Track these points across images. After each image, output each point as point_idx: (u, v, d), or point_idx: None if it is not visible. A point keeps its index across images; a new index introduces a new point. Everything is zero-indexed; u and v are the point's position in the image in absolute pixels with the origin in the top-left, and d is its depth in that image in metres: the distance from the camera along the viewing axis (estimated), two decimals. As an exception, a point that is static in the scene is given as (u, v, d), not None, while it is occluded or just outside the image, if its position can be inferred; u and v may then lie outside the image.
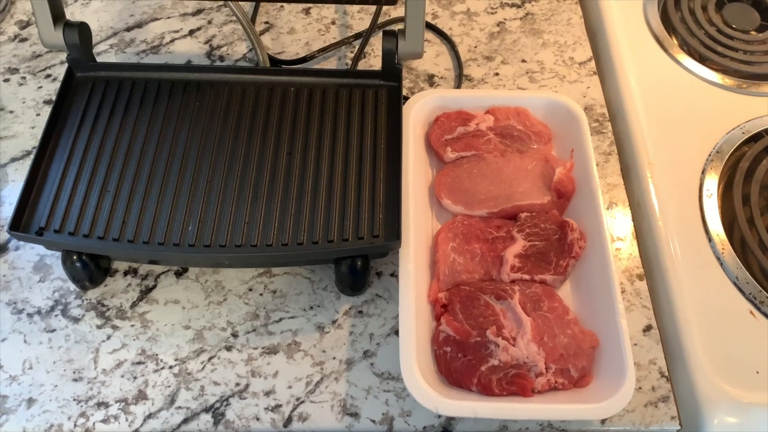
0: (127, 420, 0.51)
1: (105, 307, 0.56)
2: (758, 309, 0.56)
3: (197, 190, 0.55)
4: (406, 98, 0.65)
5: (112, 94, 0.61)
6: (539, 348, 0.51)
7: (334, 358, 0.54)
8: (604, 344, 0.52)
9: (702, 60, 0.72)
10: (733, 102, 0.69)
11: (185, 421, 0.52)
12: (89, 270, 0.55)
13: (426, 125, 0.64)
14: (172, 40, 0.73)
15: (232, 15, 0.75)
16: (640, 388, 0.54)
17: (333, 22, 0.75)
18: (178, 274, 0.58)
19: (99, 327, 0.55)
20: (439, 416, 0.52)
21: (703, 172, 0.64)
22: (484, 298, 0.54)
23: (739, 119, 0.67)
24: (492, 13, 0.76)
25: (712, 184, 0.63)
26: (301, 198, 0.55)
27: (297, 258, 0.56)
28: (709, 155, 0.65)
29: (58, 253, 0.57)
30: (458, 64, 0.72)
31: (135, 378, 0.53)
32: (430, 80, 0.71)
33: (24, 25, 0.74)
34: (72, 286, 0.57)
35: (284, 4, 0.76)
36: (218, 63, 0.71)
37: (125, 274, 0.58)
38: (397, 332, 0.55)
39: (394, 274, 0.58)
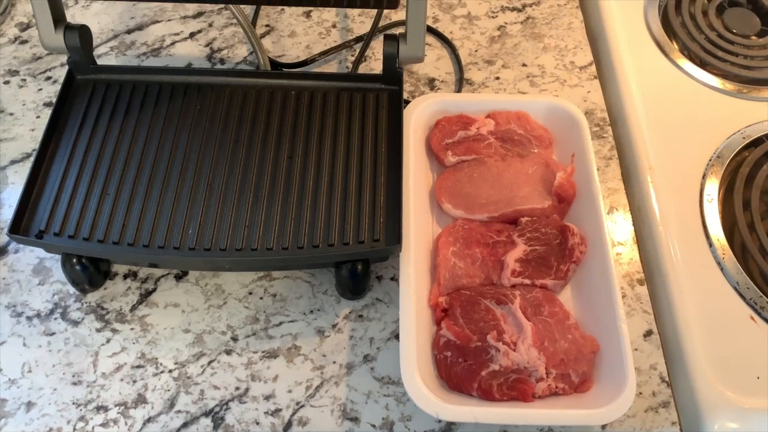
0: (126, 424, 0.51)
1: (105, 310, 0.56)
2: (759, 314, 0.56)
3: (197, 193, 0.55)
4: (407, 102, 0.65)
5: (113, 96, 0.60)
6: (540, 353, 0.51)
7: (334, 362, 0.54)
8: (604, 349, 0.52)
9: (702, 65, 0.72)
10: (733, 107, 0.69)
11: (185, 425, 0.51)
12: (89, 273, 0.55)
13: (427, 129, 0.64)
14: (173, 43, 0.73)
15: (232, 18, 0.75)
16: (640, 393, 0.54)
17: (334, 26, 0.75)
18: (178, 278, 0.58)
19: (98, 330, 0.55)
20: (440, 421, 0.52)
21: (704, 176, 0.64)
22: (484, 302, 0.54)
23: (739, 124, 0.67)
24: (493, 17, 0.77)
25: (713, 188, 0.63)
26: (301, 202, 0.55)
27: (297, 262, 0.56)
28: (710, 160, 0.65)
29: (58, 256, 0.57)
30: (459, 67, 0.72)
31: (134, 382, 0.53)
32: (431, 84, 0.71)
33: (24, 27, 0.74)
34: (71, 289, 0.57)
35: (285, 7, 0.76)
36: (219, 66, 0.71)
37: (125, 277, 0.58)
38: (397, 336, 0.55)
39: (395, 278, 0.58)
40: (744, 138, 0.66)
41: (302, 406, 0.52)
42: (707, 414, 0.52)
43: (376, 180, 0.56)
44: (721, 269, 0.59)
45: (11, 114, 0.67)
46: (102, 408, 0.52)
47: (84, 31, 0.60)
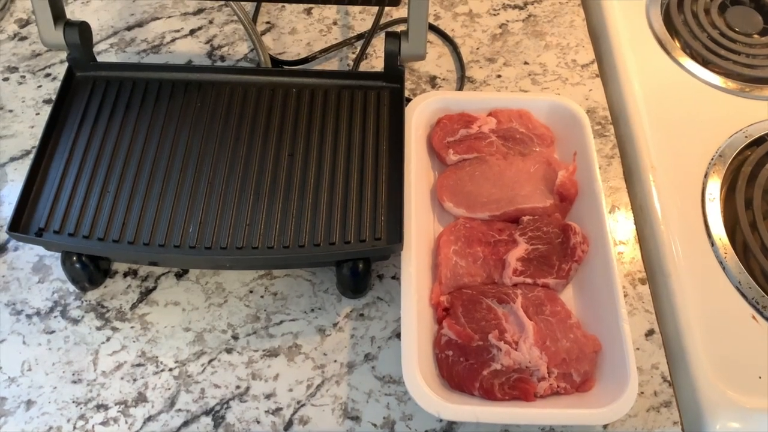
0: (126, 422, 0.51)
1: (105, 308, 0.56)
2: (761, 314, 0.56)
3: (198, 191, 0.55)
4: (408, 100, 0.64)
5: (113, 94, 0.60)
6: (541, 352, 0.51)
7: (335, 361, 0.54)
8: (606, 349, 0.52)
9: (705, 63, 0.72)
10: (735, 105, 0.69)
11: (185, 423, 0.51)
12: (89, 271, 0.55)
13: (428, 127, 0.64)
14: (173, 40, 0.73)
15: (233, 15, 0.74)
16: (642, 392, 0.53)
17: (334, 23, 0.74)
18: (179, 276, 0.58)
19: (98, 328, 0.55)
20: (441, 420, 0.52)
21: (706, 175, 0.64)
22: (486, 301, 0.54)
23: (741, 123, 0.67)
24: (494, 15, 0.76)
25: (715, 187, 0.63)
26: (302, 200, 0.54)
27: (298, 260, 0.56)
28: (712, 159, 0.65)
29: (58, 254, 0.57)
30: (460, 65, 0.71)
31: (135, 380, 0.53)
32: (432, 82, 0.71)
33: (24, 23, 0.74)
34: (71, 287, 0.57)
35: (285, 4, 0.76)
36: (219, 63, 0.71)
37: (125, 275, 0.58)
38: (398, 335, 0.55)
39: (396, 277, 0.58)
40: (746, 137, 0.66)
41: (303, 405, 0.52)
42: (709, 414, 0.52)
43: (377, 178, 0.56)
44: (723, 268, 0.59)
45: (11, 111, 0.67)
46: (102, 406, 0.52)
47: (84, 28, 0.60)
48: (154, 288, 0.57)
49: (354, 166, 0.57)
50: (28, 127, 0.66)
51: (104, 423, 0.51)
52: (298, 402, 0.52)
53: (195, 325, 0.56)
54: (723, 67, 0.71)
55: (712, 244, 0.60)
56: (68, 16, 0.60)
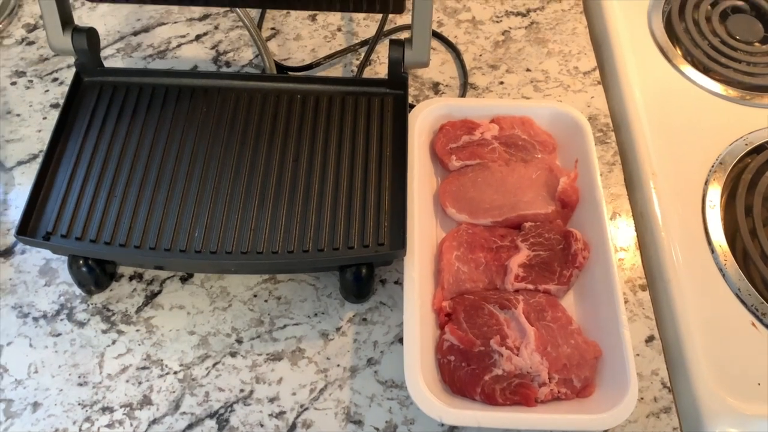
0: (131, 425, 0.52)
1: (110, 311, 0.57)
2: (760, 321, 0.57)
3: (204, 196, 0.55)
4: (412, 106, 0.65)
5: (120, 99, 0.61)
6: (542, 358, 0.52)
7: (338, 365, 0.55)
8: (606, 354, 0.52)
9: (706, 71, 0.72)
10: (736, 113, 0.69)
11: (190, 426, 0.52)
12: (95, 275, 0.56)
13: (431, 133, 0.64)
14: (179, 45, 0.73)
15: (238, 20, 0.75)
16: (642, 398, 0.54)
17: (339, 29, 0.75)
18: (184, 280, 0.58)
19: (104, 332, 0.56)
20: (443, 425, 0.52)
21: (706, 183, 0.64)
22: (488, 307, 0.54)
23: (742, 131, 0.67)
24: (497, 22, 0.77)
25: (715, 195, 0.63)
26: (306, 205, 0.55)
27: (302, 265, 0.56)
28: (712, 166, 0.65)
29: (64, 257, 0.57)
30: (463, 72, 0.72)
31: (140, 383, 0.53)
32: (435, 88, 0.71)
33: (31, 28, 0.74)
34: (78, 291, 0.57)
35: (290, 10, 0.76)
36: (224, 68, 0.72)
37: (131, 279, 0.58)
38: (401, 340, 0.56)
39: (399, 282, 0.59)
40: (746, 144, 0.66)
41: (306, 409, 0.53)
42: (708, 420, 0.52)
43: (380, 184, 0.56)
44: (723, 275, 0.59)
45: (18, 115, 0.68)
46: (107, 409, 0.52)
47: (92, 34, 0.60)
48: (160, 292, 0.58)
49: (358, 171, 0.57)
50: (36, 131, 0.67)
51: (110, 425, 0.52)
52: (302, 406, 0.53)
53: (200, 328, 0.56)
54: (724, 75, 0.72)
55: (713, 251, 0.60)
56: (75, 20, 0.61)
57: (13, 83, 0.70)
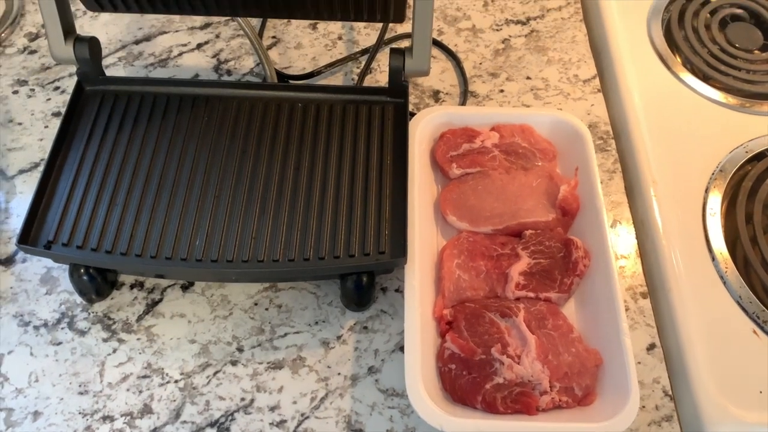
0: (132, 434, 0.52)
1: (111, 320, 0.57)
2: (761, 328, 0.57)
3: (205, 204, 0.55)
4: (412, 114, 0.65)
5: (121, 108, 0.61)
6: (544, 366, 0.51)
7: (338, 373, 0.55)
8: (608, 363, 0.52)
9: (705, 78, 0.73)
10: (736, 121, 0.69)
11: (190, 435, 0.52)
12: (96, 283, 0.56)
13: (431, 141, 0.65)
14: (180, 54, 0.74)
15: (239, 29, 0.75)
16: (643, 407, 0.54)
17: (340, 38, 0.75)
18: (184, 288, 0.59)
19: (105, 340, 0.56)
20: (444, 433, 0.52)
21: (707, 190, 0.64)
22: (489, 315, 0.54)
23: (742, 138, 0.68)
24: (497, 30, 0.77)
25: (716, 202, 0.63)
26: (307, 213, 0.55)
27: (303, 273, 0.56)
28: (713, 174, 0.65)
29: (65, 266, 0.57)
30: (463, 80, 0.72)
31: (140, 392, 0.53)
32: (436, 96, 0.71)
33: (33, 37, 0.75)
34: (79, 299, 0.57)
35: (291, 19, 0.77)
36: (225, 77, 0.72)
37: (132, 287, 0.58)
38: (401, 348, 0.56)
39: (399, 290, 0.59)
40: (747, 152, 0.66)
41: (307, 418, 0.53)
42: (710, 428, 0.52)
43: (381, 192, 0.57)
44: (724, 283, 0.59)
45: (20, 124, 0.68)
46: (108, 418, 0.52)
47: (93, 43, 0.61)
48: (160, 300, 0.58)
49: (358, 180, 0.57)
50: (37, 139, 0.67)
51: (110, 434, 0.52)
52: (302, 414, 0.53)
53: (200, 337, 0.56)
54: (723, 83, 0.72)
55: (713, 258, 0.60)
56: (77, 29, 0.61)
57: (15, 92, 0.70)
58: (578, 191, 0.61)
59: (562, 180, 0.61)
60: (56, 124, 0.65)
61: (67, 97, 0.62)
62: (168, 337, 0.56)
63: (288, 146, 0.59)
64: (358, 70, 0.73)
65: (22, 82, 0.71)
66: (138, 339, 0.56)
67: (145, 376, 0.54)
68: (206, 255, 0.53)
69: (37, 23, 0.76)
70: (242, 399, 0.53)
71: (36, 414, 0.52)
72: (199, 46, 0.75)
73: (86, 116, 0.60)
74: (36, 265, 0.59)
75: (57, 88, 0.71)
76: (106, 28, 0.76)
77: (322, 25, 0.76)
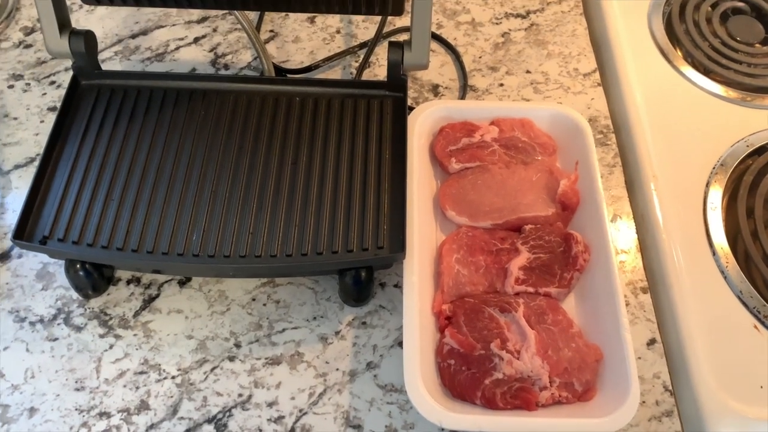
0: (129, 430, 0.51)
1: (108, 316, 0.56)
2: (762, 323, 0.56)
3: (202, 199, 0.55)
4: (411, 108, 0.65)
5: (117, 102, 0.61)
6: (543, 361, 0.51)
7: (337, 369, 0.54)
8: (608, 358, 0.52)
9: (706, 72, 0.72)
10: (737, 115, 0.69)
11: (188, 431, 0.51)
12: (92, 279, 0.55)
13: (431, 136, 0.64)
14: (177, 48, 0.73)
15: (236, 23, 0.75)
16: (644, 402, 0.53)
17: (338, 31, 0.75)
18: (182, 284, 0.58)
19: (101, 336, 0.55)
20: (443, 429, 0.52)
21: (707, 184, 0.64)
22: (488, 310, 0.54)
23: (743, 132, 0.67)
24: (497, 24, 0.77)
25: (716, 197, 0.63)
26: (305, 208, 0.55)
27: (301, 269, 0.56)
28: (713, 168, 0.65)
29: (61, 261, 0.57)
30: (463, 74, 0.72)
31: (137, 388, 0.53)
32: (435, 90, 0.71)
33: (29, 31, 0.74)
34: (75, 295, 0.57)
35: (289, 12, 0.76)
36: (223, 71, 0.71)
37: (128, 283, 0.58)
38: (400, 344, 0.55)
39: (398, 285, 0.58)
40: (747, 146, 0.66)
41: (305, 413, 0.52)
42: (711, 423, 0.52)
43: (380, 187, 0.56)
44: (725, 278, 0.59)
45: (15, 118, 0.67)
46: (105, 414, 0.52)
47: (89, 37, 0.60)
48: (157, 296, 0.57)
49: (357, 174, 0.57)
50: (33, 134, 0.66)
51: (107, 431, 0.51)
52: (300, 410, 0.52)
53: (198, 332, 0.56)
54: (724, 77, 0.71)
55: (714, 253, 0.60)
56: (73, 23, 0.60)
57: (11, 86, 0.70)
58: (578, 186, 0.60)
59: (562, 174, 0.61)
60: (52, 118, 0.65)
61: (62, 92, 0.61)
62: (165, 332, 0.56)
63: (286, 141, 0.59)
64: (357, 64, 0.72)
65: (18, 77, 0.70)
66: (135, 335, 0.55)
67: (141, 372, 0.54)
68: (203, 250, 0.53)
69: (33, 17, 0.75)
70: (240, 395, 0.53)
71: (32, 410, 0.52)
72: (196, 40, 0.74)
73: (82, 111, 0.60)
74: (32, 260, 0.59)
75: (53, 82, 0.70)
76: (103, 22, 0.75)
77: (320, 19, 0.76)
